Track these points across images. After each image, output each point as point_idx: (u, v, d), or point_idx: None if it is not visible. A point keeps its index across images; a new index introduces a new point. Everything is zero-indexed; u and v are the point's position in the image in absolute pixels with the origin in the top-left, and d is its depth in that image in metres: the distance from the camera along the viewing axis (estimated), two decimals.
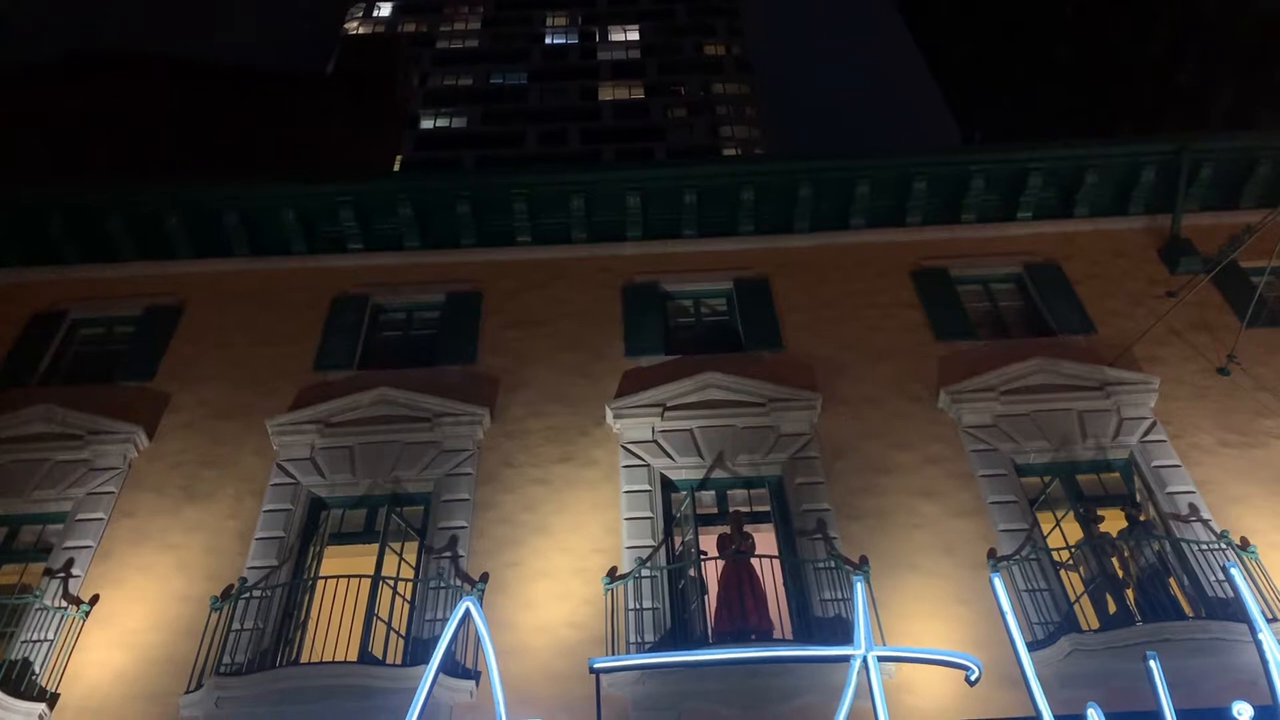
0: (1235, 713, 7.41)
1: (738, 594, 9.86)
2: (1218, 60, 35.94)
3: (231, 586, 10.20)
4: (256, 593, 10.10)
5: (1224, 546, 10.04)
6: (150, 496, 11.34)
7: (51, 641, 9.77)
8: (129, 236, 14.51)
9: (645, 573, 10.10)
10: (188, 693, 9.27)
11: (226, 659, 9.50)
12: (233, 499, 11.27)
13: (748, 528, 10.64)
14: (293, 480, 11.39)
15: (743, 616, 9.73)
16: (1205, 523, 10.45)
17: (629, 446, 11.60)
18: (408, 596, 10.14)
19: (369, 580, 9.86)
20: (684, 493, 11.06)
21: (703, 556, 10.22)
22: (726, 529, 10.61)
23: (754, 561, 10.18)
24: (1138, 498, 11.12)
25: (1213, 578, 9.80)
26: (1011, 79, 53.49)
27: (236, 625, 9.82)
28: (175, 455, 11.81)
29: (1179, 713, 7.39)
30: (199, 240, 14.61)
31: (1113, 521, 10.60)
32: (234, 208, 14.43)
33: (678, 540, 10.69)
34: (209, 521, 11.04)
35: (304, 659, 9.68)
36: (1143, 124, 37.73)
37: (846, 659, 7.80)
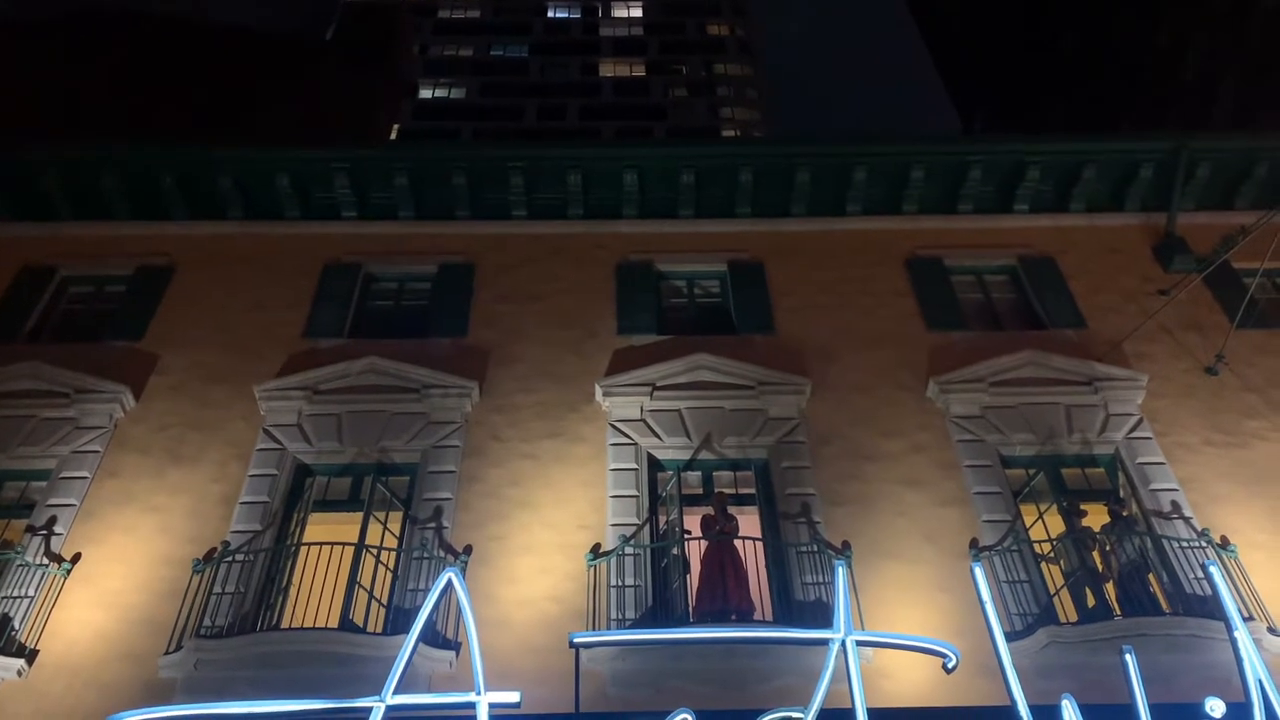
0: (1208, 709, 7.45)
1: (720, 575, 9.90)
2: (1222, 59, 35.85)
3: (214, 550, 10.20)
4: (239, 557, 10.10)
5: (1204, 544, 10.11)
6: (135, 457, 11.31)
7: (32, 598, 9.75)
8: (122, 195, 14.41)
9: (629, 550, 10.13)
10: (167, 654, 9.28)
11: (207, 622, 9.51)
12: (218, 463, 11.25)
13: (732, 509, 10.67)
14: (279, 446, 11.37)
15: (724, 597, 9.77)
16: (1187, 520, 10.52)
17: (617, 424, 11.60)
18: (390, 566, 10.15)
19: (352, 548, 9.87)
20: (670, 472, 11.09)
21: (686, 536, 10.24)
22: (711, 510, 10.63)
23: (737, 543, 10.21)
24: (1121, 493, 11.17)
25: (1192, 575, 9.87)
26: (1014, 69, 53.34)
27: (218, 589, 9.82)
28: (162, 417, 11.77)
29: (1153, 707, 7.43)
30: (192, 202, 14.53)
31: (1095, 516, 10.66)
32: (228, 170, 14.33)
33: (662, 519, 10.72)
34: (193, 484, 11.02)
35: (285, 624, 9.70)
36: (1144, 119, 37.70)
37: (825, 642, 7.83)
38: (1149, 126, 35.71)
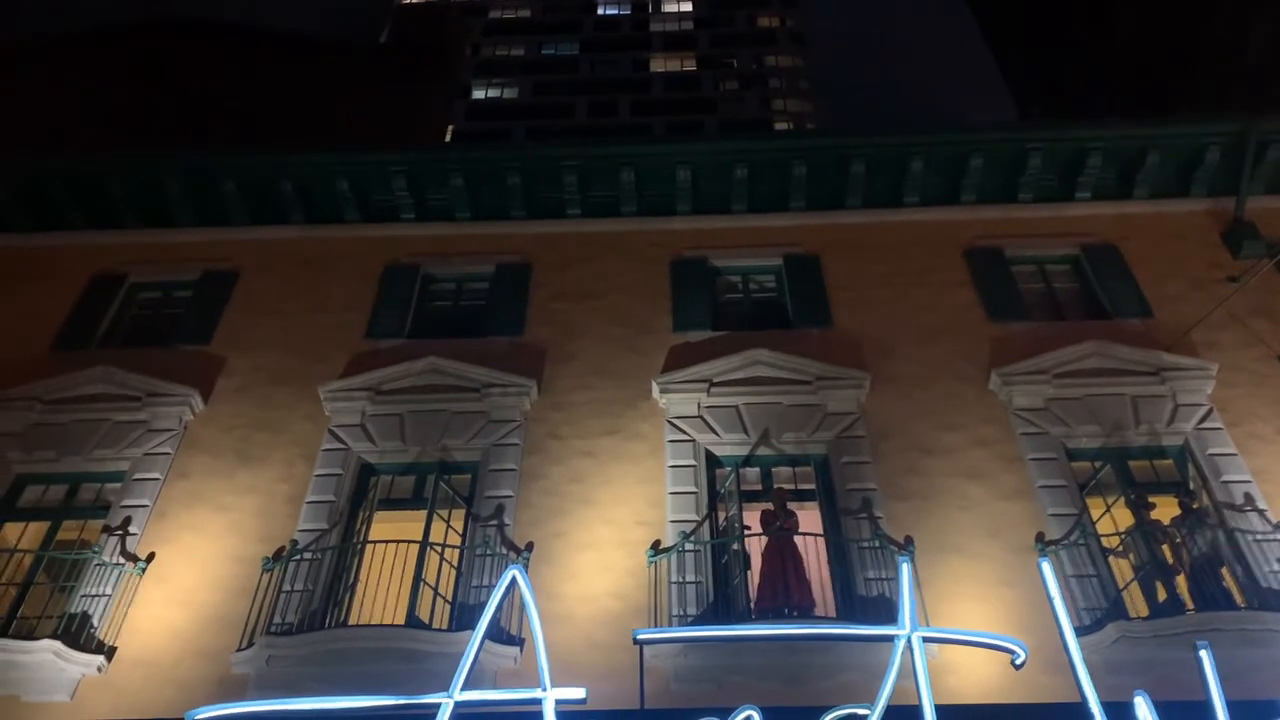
0: None
1: (780, 570, 9.89)
2: None
3: (283, 548, 10.41)
4: (307, 555, 10.30)
5: (1279, 537, 9.85)
6: (205, 458, 11.58)
7: (109, 596, 10.04)
8: (187, 202, 14.75)
9: (689, 547, 10.15)
10: (239, 650, 9.50)
11: (277, 619, 9.72)
12: (284, 463, 11.47)
13: (792, 505, 10.64)
14: (343, 446, 11.57)
15: (785, 593, 9.76)
16: (1261, 513, 10.26)
17: (674, 421, 11.62)
18: (454, 563, 10.28)
19: (417, 546, 10.02)
20: (728, 469, 11.08)
21: (746, 532, 10.23)
22: (770, 505, 10.61)
23: (797, 539, 10.18)
24: (1191, 485, 10.92)
25: (1267, 569, 9.63)
26: (1071, 54, 52.26)
27: (287, 586, 10.03)
28: (229, 418, 12.04)
29: (1230, 704, 7.27)
30: (254, 207, 14.82)
31: (1165, 509, 10.43)
32: (288, 176, 14.59)
33: (721, 516, 10.72)
34: (261, 484, 11.25)
35: (352, 621, 9.87)
36: (1205, 103, 36.71)
37: (891, 639, 7.78)
38: (1210, 109, 34.78)
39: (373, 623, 9.59)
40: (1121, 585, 9.82)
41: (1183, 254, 13.61)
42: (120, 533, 10.66)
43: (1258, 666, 8.58)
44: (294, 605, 9.88)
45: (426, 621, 9.60)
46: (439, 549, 10.16)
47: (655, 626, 9.39)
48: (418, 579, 9.76)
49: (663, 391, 11.83)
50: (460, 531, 10.73)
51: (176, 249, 14.60)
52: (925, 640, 7.82)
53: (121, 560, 10.36)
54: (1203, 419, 11.31)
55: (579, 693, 7.61)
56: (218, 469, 11.45)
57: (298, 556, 10.27)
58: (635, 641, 8.16)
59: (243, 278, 14.07)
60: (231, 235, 14.74)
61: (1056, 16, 53.78)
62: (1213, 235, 13.87)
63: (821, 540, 10.29)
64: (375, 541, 10.24)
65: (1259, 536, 9.93)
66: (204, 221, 14.88)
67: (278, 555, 10.33)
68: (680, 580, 9.93)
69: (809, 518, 10.75)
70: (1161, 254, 13.62)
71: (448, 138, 56.43)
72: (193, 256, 14.42)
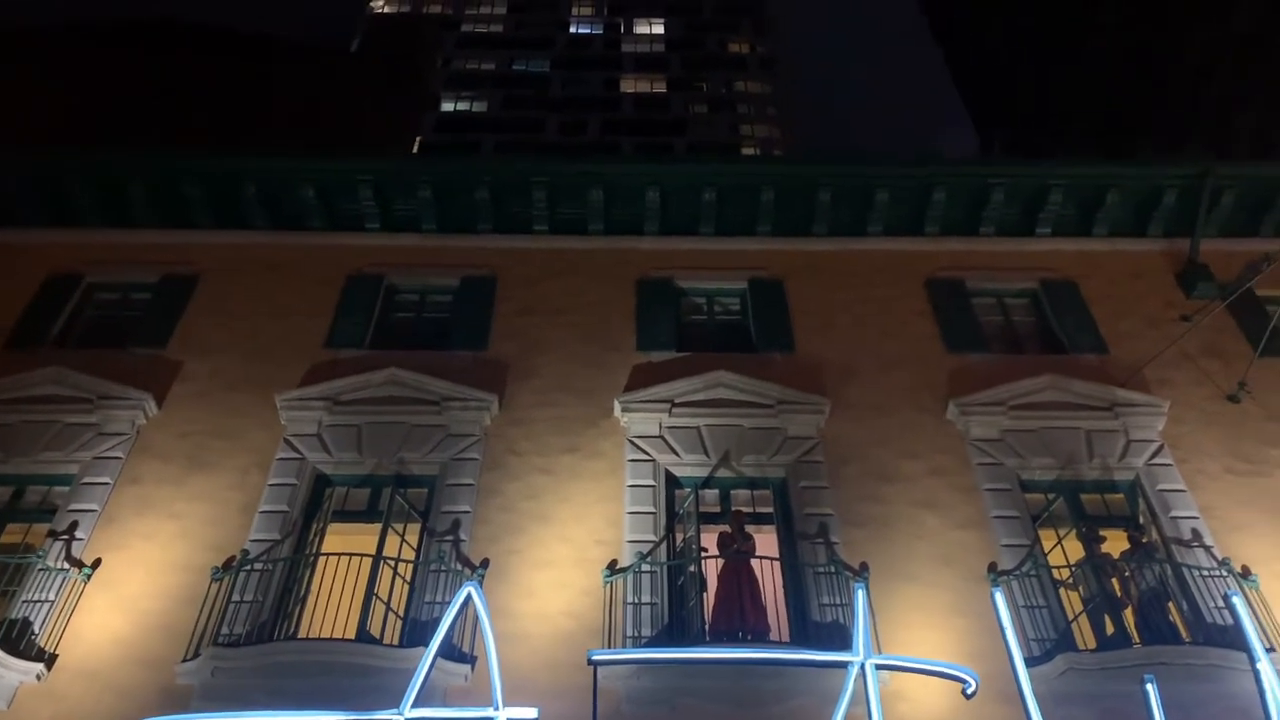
0: None
1: (736, 594, 9.89)
2: (1247, 84, 35.73)
3: (233, 558, 10.25)
4: (258, 566, 10.15)
5: (1225, 574, 10.03)
6: (157, 464, 11.39)
7: (52, 602, 9.83)
8: (149, 203, 14.55)
9: (645, 567, 10.13)
10: (185, 660, 9.33)
11: (225, 630, 9.55)
12: (238, 471, 11.32)
13: (749, 528, 10.65)
14: (299, 456, 11.44)
15: (740, 616, 9.76)
16: (1208, 549, 10.45)
17: (635, 440, 11.62)
18: (407, 578, 10.18)
19: (370, 560, 9.90)
20: (688, 489, 11.08)
21: (703, 554, 10.23)
22: (728, 528, 10.62)
23: (754, 562, 10.20)
24: (1141, 520, 11.10)
25: (1213, 604, 9.79)
26: (1033, 89, 53.26)
27: (236, 597, 9.86)
28: (183, 424, 11.86)
29: None
30: (217, 211, 14.65)
31: (1115, 542, 10.58)
32: (254, 180, 14.45)
33: (679, 537, 10.71)
34: (213, 492, 11.09)
35: (302, 634, 9.72)
36: (1166, 143, 37.58)
37: (844, 665, 7.81)
38: (1169, 152, 35.61)
39: (323, 636, 9.45)
40: (1071, 617, 9.94)
41: (1138, 292, 13.87)
42: (66, 537, 10.44)
43: (1202, 701, 8.72)
44: (242, 616, 9.72)
45: (378, 637, 9.48)
46: (393, 563, 10.06)
47: (610, 647, 9.34)
48: (370, 593, 9.65)
49: (624, 410, 11.83)
50: (415, 546, 10.63)
51: (136, 250, 14.37)
52: (878, 667, 7.88)
53: (66, 565, 10.14)
54: (1154, 455, 11.51)
55: (531, 712, 7.58)
56: (169, 475, 11.27)
57: (248, 567, 10.11)
58: (590, 662, 8.14)
59: (203, 281, 13.89)
60: (193, 238, 14.56)
61: (1020, 51, 54.81)
62: (1168, 275, 14.15)
63: (778, 564, 10.31)
64: (328, 554, 10.11)
65: (1205, 572, 10.11)
66: (165, 223, 14.67)
67: (227, 565, 10.17)
68: (636, 601, 9.91)
69: (766, 541, 10.78)
70: (1118, 291, 13.88)
71: (415, 148, 56.28)
72: (152, 258, 14.21)
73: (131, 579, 10.19)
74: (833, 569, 10.15)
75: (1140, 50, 42.63)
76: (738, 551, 10.22)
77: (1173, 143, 37.27)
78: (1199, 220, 14.09)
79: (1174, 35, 40.52)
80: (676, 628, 9.80)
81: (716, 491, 11.44)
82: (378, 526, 10.39)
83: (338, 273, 14.03)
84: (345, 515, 11.07)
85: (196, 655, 9.30)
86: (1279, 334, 12.64)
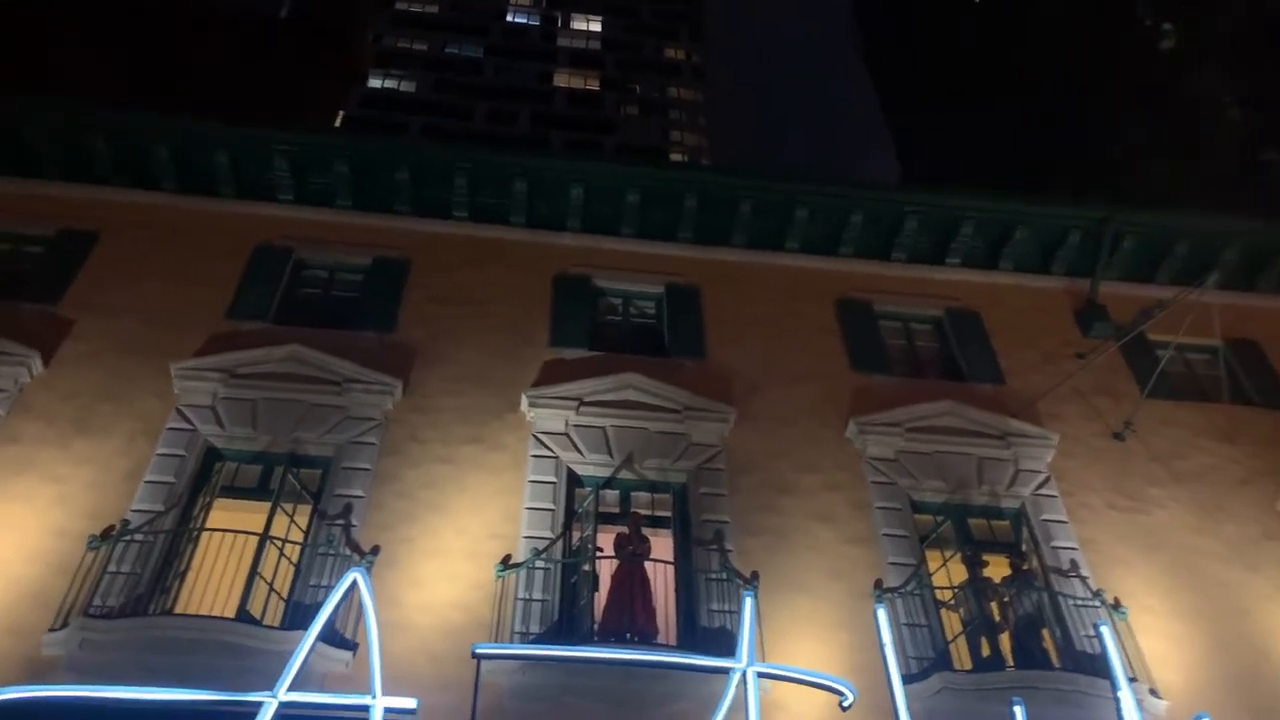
0: None
1: (628, 596, 9.91)
2: (1155, 138, 37.36)
3: (113, 527, 9.88)
4: (138, 537, 9.81)
5: (1098, 604, 10.41)
6: (39, 424, 10.92)
7: None
8: (51, 155, 13.95)
9: (539, 564, 10.08)
10: (52, 630, 8.97)
11: (97, 601, 9.21)
12: (125, 438, 10.93)
13: (647, 531, 10.69)
14: (190, 427, 11.09)
15: (630, 618, 9.78)
16: (1084, 579, 10.83)
17: (540, 436, 11.56)
18: (294, 560, 9.95)
19: (256, 538, 9.66)
20: (589, 489, 11.08)
21: (599, 554, 10.23)
22: (625, 529, 10.64)
23: (648, 566, 10.23)
24: (1024, 548, 11.46)
25: (1083, 633, 10.15)
26: (956, 128, 54.83)
27: (113, 568, 9.52)
28: (71, 385, 11.40)
29: None
30: (124, 169, 14.13)
31: (997, 567, 10.91)
32: (166, 140, 13.98)
33: (576, 535, 10.69)
34: (98, 457, 10.68)
35: (179, 610, 9.45)
36: (1075, 185, 39.06)
37: (726, 671, 7.88)
38: (1076, 195, 37.00)
39: (201, 614, 9.18)
40: (950, 637, 10.21)
41: (1038, 327, 14.33)
42: None
43: None
44: (117, 588, 9.38)
45: (258, 617, 9.25)
46: (279, 544, 9.82)
47: (496, 641, 9.27)
48: (254, 572, 9.42)
49: (532, 405, 11.76)
50: (304, 528, 10.39)
51: (35, 201, 13.75)
52: (760, 675, 7.97)
53: None
54: (1040, 485, 11.90)
55: (409, 702, 7.47)
56: (51, 437, 10.82)
57: (128, 537, 9.76)
58: (474, 655, 8.05)
59: (103, 240, 13.37)
60: (96, 194, 14.00)
61: (945, 89, 56.38)
62: (1067, 312, 14.65)
63: (671, 568, 10.37)
64: (213, 530, 9.85)
65: (1079, 602, 10.48)
66: (69, 176, 14.09)
67: (106, 534, 9.81)
68: (527, 597, 9.86)
69: (662, 545, 10.83)
70: (1019, 324, 14.31)
71: (338, 122, 55.15)
72: (51, 212, 13.61)
73: (3, 542, 9.75)
74: (725, 576, 10.24)
75: (1057, 100, 44.27)
76: (633, 554, 10.24)
77: (1083, 188, 38.77)
78: (1100, 262, 14.62)
79: (1089, 88, 42.16)
80: (566, 626, 9.78)
81: (617, 492, 11.44)
82: (267, 505, 10.14)
83: (245, 243, 13.64)
84: (234, 491, 10.79)
85: (65, 625, 8.95)
86: (1167, 378, 13.22)
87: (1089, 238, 14.86)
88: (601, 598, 10.09)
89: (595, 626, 9.74)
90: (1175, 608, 10.80)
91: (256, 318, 12.72)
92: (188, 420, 11.14)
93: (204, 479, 10.76)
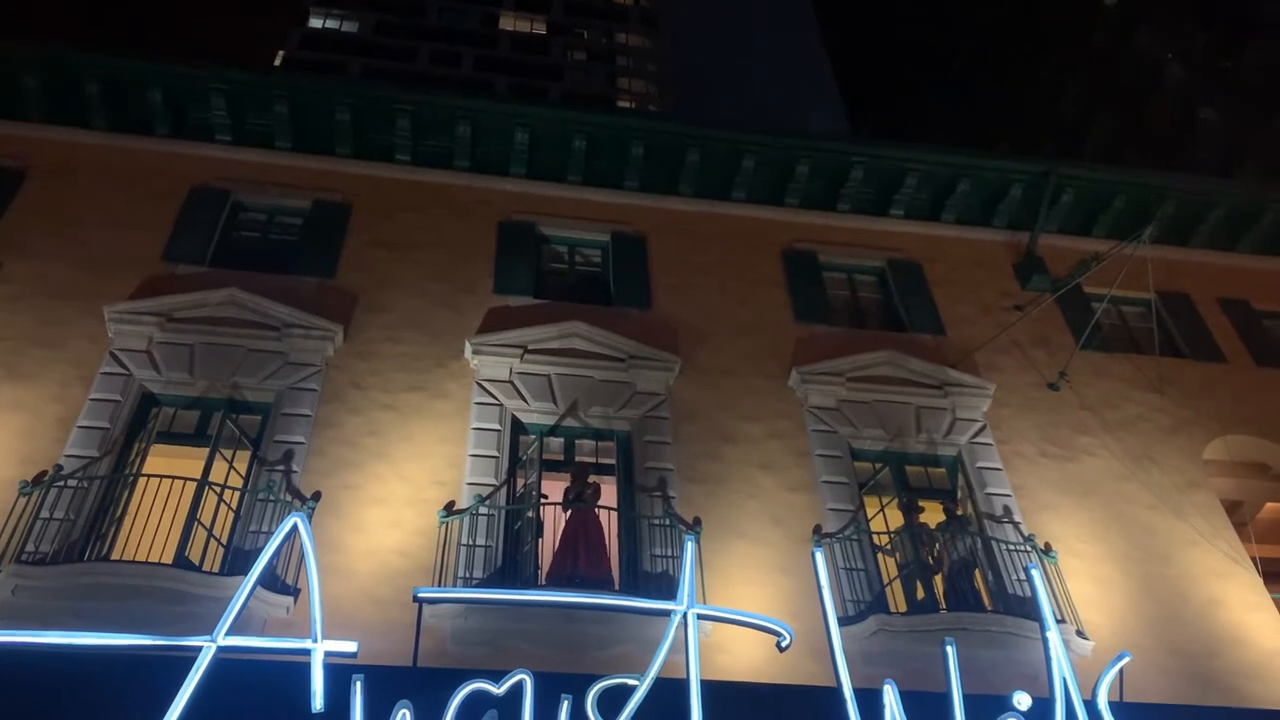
0: (1016, 702, 7.94)
1: (575, 542, 9.97)
2: (1099, 96, 37.82)
3: (45, 473, 9.68)
4: (72, 482, 9.62)
5: (1029, 549, 10.71)
6: None
7: None
8: None
9: (483, 510, 10.09)
10: None
11: (30, 547, 9.04)
12: (58, 383, 10.66)
13: (594, 478, 10.74)
14: (125, 371, 10.86)
15: (573, 564, 9.85)
16: (1016, 525, 11.13)
17: (484, 384, 11.52)
18: (233, 506, 9.85)
19: (194, 484, 9.54)
20: (533, 436, 11.09)
21: (543, 501, 10.27)
22: (572, 479, 10.67)
23: (601, 515, 10.30)
24: (958, 494, 11.74)
25: (1015, 577, 10.46)
26: (906, 84, 55.04)
27: (45, 514, 9.33)
28: None
29: (967, 697, 7.86)
30: (55, 106, 13.64)
31: (932, 513, 11.18)
32: (97, 77, 13.51)
33: (520, 483, 10.71)
34: (29, 402, 10.42)
35: (115, 556, 9.32)
36: (1020, 145, 39.59)
37: (667, 613, 7.98)
38: (1026, 151, 37.49)
39: (138, 559, 9.07)
40: (886, 581, 10.45)
41: (978, 279, 14.55)
42: None
43: (996, 665, 9.33)
44: (51, 534, 9.21)
45: (197, 564, 9.16)
46: (218, 489, 9.71)
47: (440, 586, 9.30)
48: (192, 518, 9.31)
49: (475, 352, 11.70)
50: (243, 474, 10.28)
51: None
52: (700, 617, 8.07)
53: None
54: (976, 434, 12.15)
55: (350, 646, 7.45)
56: None
57: (61, 483, 9.57)
58: (415, 599, 8.06)
59: (31, 179, 12.94)
60: (24, 131, 13.51)
61: (898, 45, 56.48)
62: (1006, 265, 14.89)
63: (614, 515, 10.45)
64: (150, 475, 9.68)
65: (1011, 546, 10.77)
66: None
67: (38, 479, 9.60)
68: (470, 543, 9.87)
69: (607, 492, 10.88)
70: (959, 277, 14.52)
71: (277, 62, 53.70)
72: None
73: None
74: (668, 522, 10.35)
75: (1005, 58, 44.60)
76: (578, 499, 10.29)
77: (1029, 148, 39.32)
78: (1040, 216, 14.86)
79: (1037, 47, 42.49)
80: (510, 572, 9.83)
81: (562, 440, 11.48)
82: (205, 451, 10.00)
83: (181, 184, 13.30)
84: (171, 437, 10.62)
85: None
86: (1100, 330, 13.53)
87: (1030, 191, 15.07)
88: (548, 545, 10.14)
89: (540, 572, 9.80)
90: (1103, 552, 11.15)
91: (193, 261, 12.44)
92: (122, 365, 10.91)
93: (139, 424, 10.56)
